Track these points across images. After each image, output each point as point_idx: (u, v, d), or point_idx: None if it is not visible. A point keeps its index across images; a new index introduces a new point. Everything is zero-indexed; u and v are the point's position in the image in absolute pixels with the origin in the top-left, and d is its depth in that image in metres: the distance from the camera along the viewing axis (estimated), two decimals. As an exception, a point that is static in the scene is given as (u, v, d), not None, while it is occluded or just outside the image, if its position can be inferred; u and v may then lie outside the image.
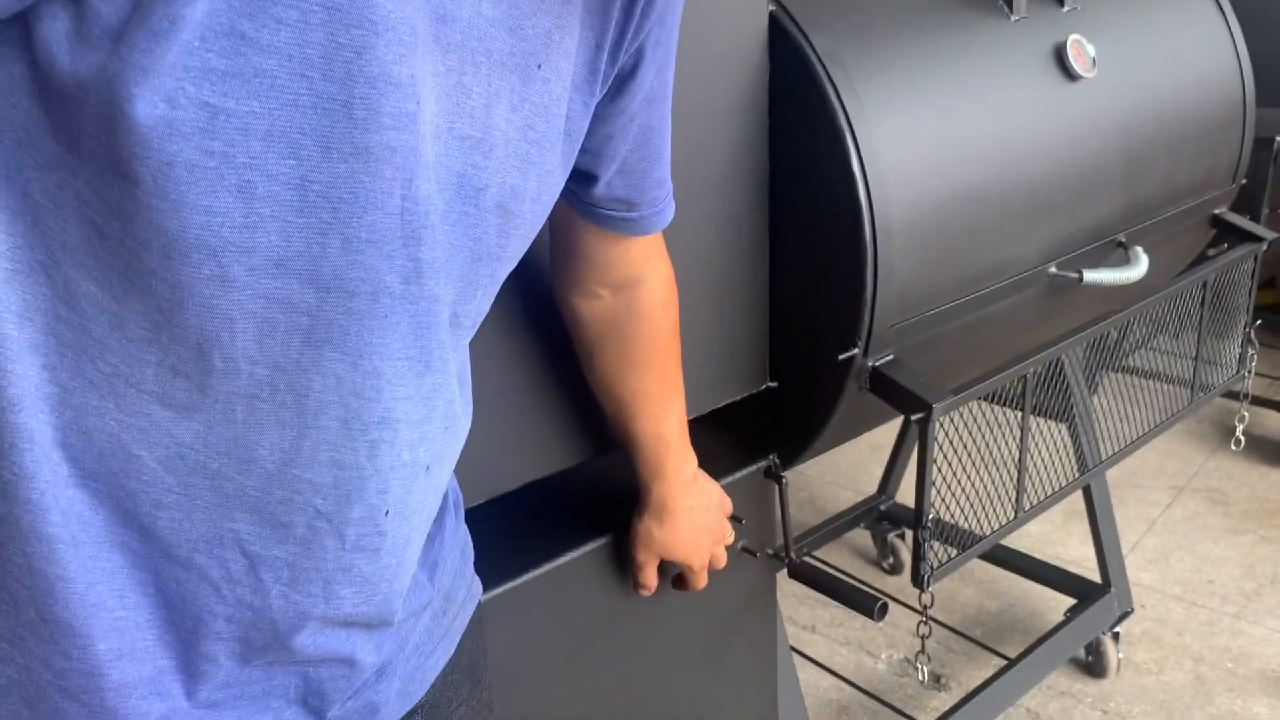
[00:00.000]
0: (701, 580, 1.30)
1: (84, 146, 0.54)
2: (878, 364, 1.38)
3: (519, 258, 0.77)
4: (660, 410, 1.15)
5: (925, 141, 1.37)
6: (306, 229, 0.58)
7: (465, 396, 0.79)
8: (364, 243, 0.61)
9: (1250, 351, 1.88)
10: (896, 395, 1.37)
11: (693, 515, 1.25)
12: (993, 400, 1.50)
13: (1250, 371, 1.91)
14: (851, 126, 1.29)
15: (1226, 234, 1.91)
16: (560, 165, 0.76)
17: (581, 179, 0.88)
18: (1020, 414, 1.54)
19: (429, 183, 0.63)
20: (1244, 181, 1.93)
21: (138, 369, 0.59)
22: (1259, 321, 1.91)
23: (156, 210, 0.55)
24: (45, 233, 0.56)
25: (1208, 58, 1.83)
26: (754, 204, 1.36)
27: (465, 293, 0.71)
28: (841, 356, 1.35)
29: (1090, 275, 1.55)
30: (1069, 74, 1.53)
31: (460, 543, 0.91)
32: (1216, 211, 1.88)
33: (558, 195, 0.78)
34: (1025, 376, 1.49)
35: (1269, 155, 2.25)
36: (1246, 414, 2.01)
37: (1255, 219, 2.15)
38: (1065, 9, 1.58)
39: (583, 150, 0.83)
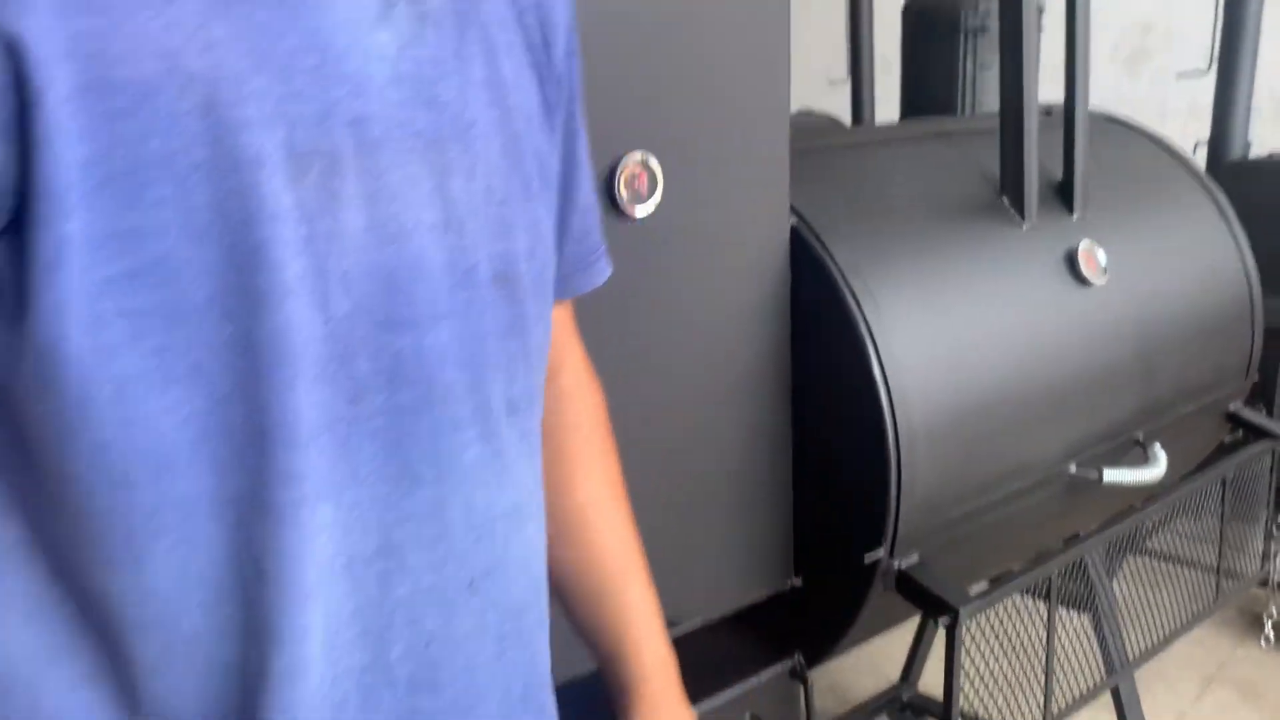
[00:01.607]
0: None
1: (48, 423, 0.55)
2: (903, 566, 1.38)
3: (546, 322, 0.74)
4: (622, 542, 0.91)
5: (945, 347, 1.42)
6: (247, 372, 0.57)
7: (509, 498, 0.71)
8: (296, 377, 0.59)
9: (1275, 548, 1.87)
10: (923, 598, 1.37)
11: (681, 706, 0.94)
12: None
13: (1275, 568, 1.90)
14: (872, 334, 1.33)
15: (1243, 429, 1.93)
16: (546, 211, 0.73)
17: None
18: (1044, 604, 1.53)
19: (345, 297, 0.60)
20: (1257, 378, 1.96)
21: None
22: (1280, 516, 1.91)
23: (108, 438, 0.55)
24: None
25: (1213, 257, 1.89)
26: (777, 407, 1.39)
27: (509, 375, 0.69)
28: (868, 558, 1.36)
29: (1110, 475, 1.56)
30: (1081, 280, 1.58)
31: None
32: (1232, 408, 1.91)
33: (554, 244, 0.75)
34: (1050, 577, 1.49)
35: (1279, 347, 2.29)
36: (1275, 610, 1.99)
37: (1270, 411, 2.17)
38: (1074, 217, 1.64)
39: None
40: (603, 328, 1.21)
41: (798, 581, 1.45)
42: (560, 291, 0.81)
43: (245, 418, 0.58)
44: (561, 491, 0.88)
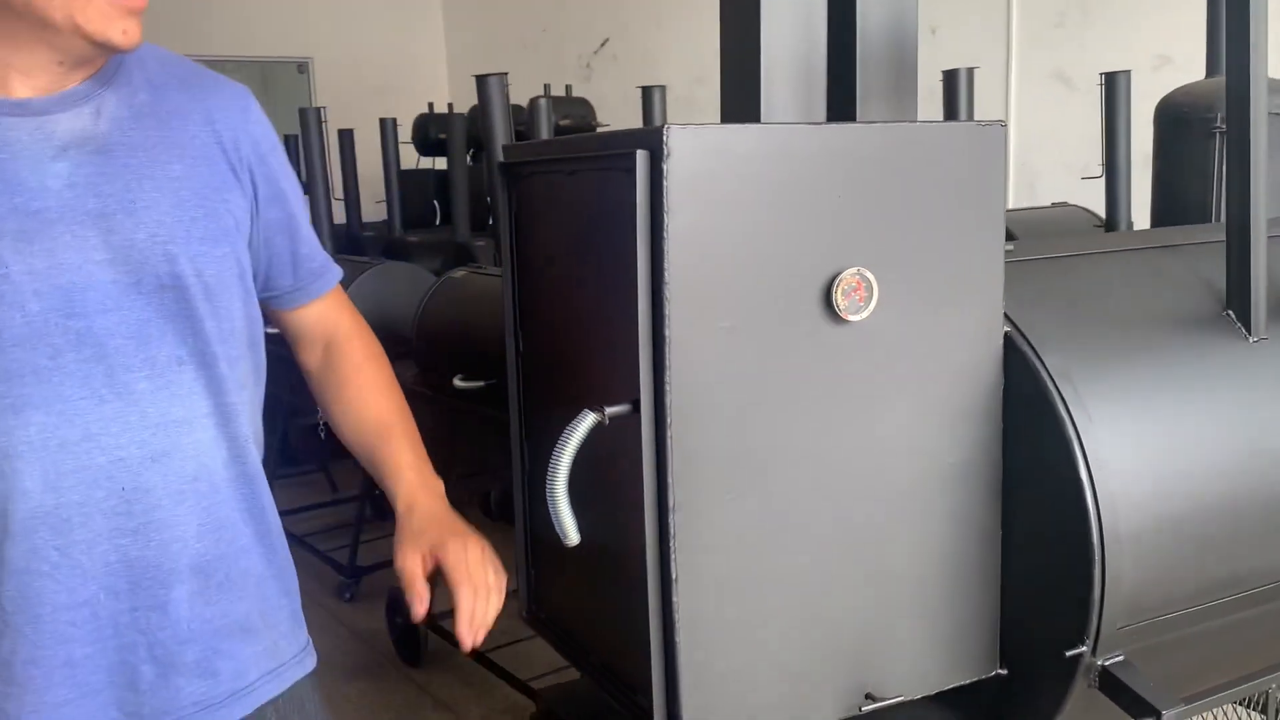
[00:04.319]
0: (465, 591, 1.29)
1: None
2: (1107, 664, 1.42)
3: (228, 311, 1.31)
4: (386, 411, 1.45)
5: (1157, 454, 1.46)
6: None
7: None
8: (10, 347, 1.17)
9: None
10: (1125, 697, 1.40)
11: (444, 503, 1.39)
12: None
13: None
14: (1080, 436, 1.40)
15: None
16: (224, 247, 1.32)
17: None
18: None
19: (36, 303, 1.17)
20: None
21: None
22: None
23: None
24: None
25: None
26: (986, 500, 1.47)
27: (178, 338, 1.27)
28: (1069, 653, 1.41)
29: (1337, 596, 1.53)
30: (1314, 396, 1.57)
31: None
32: None
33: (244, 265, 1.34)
34: (1267, 692, 1.48)
35: None
36: None
37: None
38: (1307, 330, 1.63)
39: None
40: (817, 419, 1.35)
41: (1002, 671, 1.51)
42: (309, 295, 1.45)
43: None
44: (346, 385, 1.47)
